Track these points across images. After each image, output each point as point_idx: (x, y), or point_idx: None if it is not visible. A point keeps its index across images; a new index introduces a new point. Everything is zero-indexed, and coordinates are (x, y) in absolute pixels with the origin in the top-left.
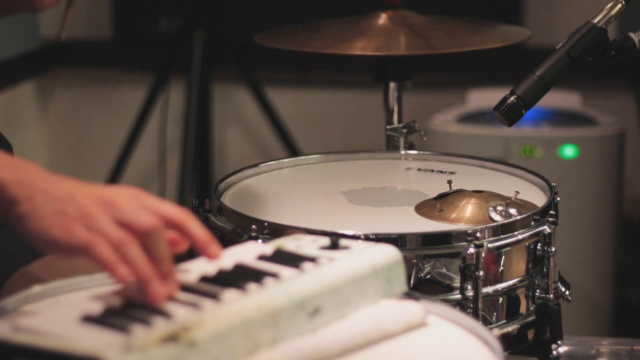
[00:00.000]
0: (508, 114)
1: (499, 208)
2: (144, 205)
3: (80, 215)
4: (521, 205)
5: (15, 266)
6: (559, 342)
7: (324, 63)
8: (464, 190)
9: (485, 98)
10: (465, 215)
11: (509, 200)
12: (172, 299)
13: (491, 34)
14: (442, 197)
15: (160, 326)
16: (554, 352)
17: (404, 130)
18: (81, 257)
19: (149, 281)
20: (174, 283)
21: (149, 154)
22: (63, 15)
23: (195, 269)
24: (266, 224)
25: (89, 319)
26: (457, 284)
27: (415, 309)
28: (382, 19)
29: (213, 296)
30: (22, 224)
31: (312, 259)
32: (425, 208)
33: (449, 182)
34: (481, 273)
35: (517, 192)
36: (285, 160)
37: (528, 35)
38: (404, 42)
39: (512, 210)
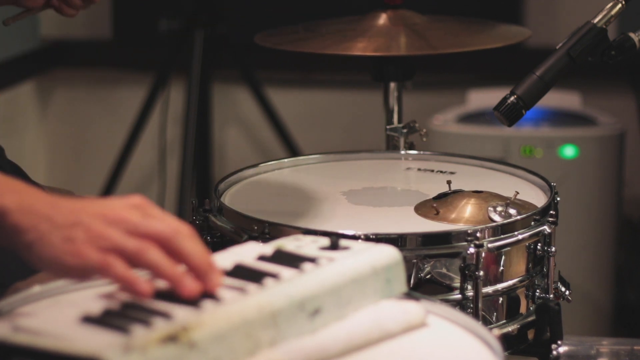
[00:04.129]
0: (508, 114)
1: (499, 208)
2: (151, 215)
3: (90, 238)
4: (521, 205)
5: (10, 281)
6: (559, 342)
7: (324, 63)
8: (464, 191)
9: (485, 98)
10: (465, 215)
11: (508, 201)
12: (172, 298)
13: (491, 34)
14: (441, 197)
15: (160, 326)
16: (554, 352)
17: (404, 130)
18: (97, 278)
19: (177, 280)
20: (215, 274)
21: (149, 154)
22: (23, 12)
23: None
24: (266, 224)
25: (88, 319)
26: (457, 284)
27: (415, 309)
28: (382, 19)
29: (213, 296)
30: (32, 254)
31: (312, 260)
32: (424, 208)
33: (449, 182)
34: (481, 273)
35: (517, 192)
36: (285, 160)
37: (528, 35)
38: (404, 42)
39: (512, 211)
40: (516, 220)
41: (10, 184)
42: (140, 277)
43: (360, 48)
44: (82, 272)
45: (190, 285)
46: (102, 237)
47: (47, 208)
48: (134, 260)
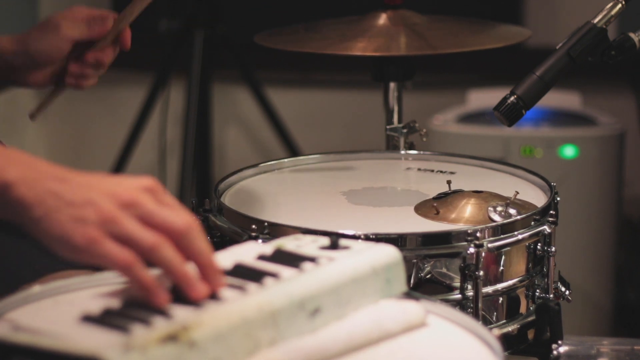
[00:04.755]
0: (508, 114)
1: (499, 208)
2: (163, 202)
3: (103, 221)
4: (521, 205)
5: (37, 276)
6: (559, 342)
7: (324, 63)
8: (463, 191)
9: (485, 98)
10: (465, 215)
11: (508, 201)
12: (172, 297)
13: (491, 34)
14: (441, 197)
15: (160, 326)
16: (554, 352)
17: (404, 130)
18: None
19: (188, 282)
20: (218, 276)
21: (149, 154)
22: (44, 99)
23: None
24: (266, 224)
25: (88, 319)
26: (457, 284)
27: (415, 309)
28: (382, 19)
29: (213, 296)
30: (39, 230)
31: (312, 259)
32: (424, 208)
33: (448, 182)
34: (481, 273)
35: (517, 192)
36: (285, 160)
37: (528, 35)
38: (404, 42)
39: (512, 211)
40: (516, 220)
41: (14, 157)
42: (161, 286)
43: (360, 48)
44: (96, 260)
45: (201, 288)
46: (114, 222)
47: (55, 182)
48: (147, 255)
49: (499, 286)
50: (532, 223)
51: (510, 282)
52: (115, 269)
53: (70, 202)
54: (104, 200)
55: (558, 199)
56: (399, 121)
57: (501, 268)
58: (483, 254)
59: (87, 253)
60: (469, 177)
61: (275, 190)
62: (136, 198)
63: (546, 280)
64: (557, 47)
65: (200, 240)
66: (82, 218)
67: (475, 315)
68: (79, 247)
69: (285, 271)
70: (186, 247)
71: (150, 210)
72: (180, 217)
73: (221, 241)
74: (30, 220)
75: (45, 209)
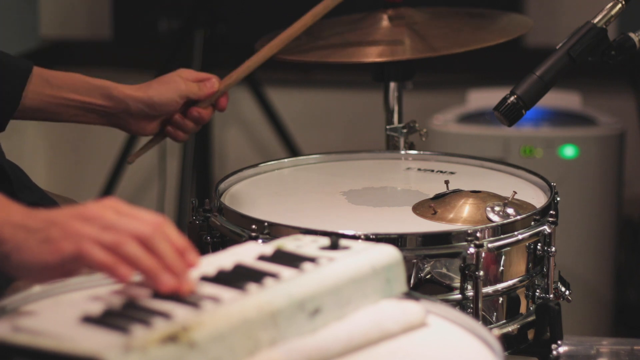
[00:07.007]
0: (508, 114)
1: (497, 208)
2: (125, 214)
3: (66, 234)
4: (519, 205)
5: (7, 281)
6: (559, 342)
7: (324, 63)
8: (462, 191)
9: (485, 98)
10: (463, 215)
11: (506, 201)
12: (172, 298)
13: (492, 28)
14: (439, 197)
15: (160, 326)
16: (554, 352)
17: (404, 130)
18: (77, 271)
19: (155, 273)
20: (188, 278)
21: (149, 154)
22: (144, 146)
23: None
24: (266, 224)
25: (89, 319)
26: (457, 284)
27: (415, 309)
28: (384, 20)
29: (213, 296)
30: (10, 263)
31: (312, 259)
32: (422, 208)
33: (446, 182)
34: (481, 273)
35: (515, 192)
36: (285, 160)
37: (530, 26)
38: (406, 46)
39: (510, 210)
40: (516, 220)
41: None
42: (119, 262)
43: (364, 54)
44: (59, 267)
45: (168, 281)
46: (78, 234)
47: (22, 217)
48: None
49: (499, 286)
50: (532, 223)
51: (510, 282)
52: (76, 263)
53: (36, 229)
54: (66, 218)
55: (558, 199)
56: (399, 121)
57: (501, 268)
58: (483, 254)
59: (52, 264)
60: (468, 177)
61: (275, 190)
62: (97, 212)
63: (546, 280)
64: (557, 47)
65: (165, 243)
66: (48, 238)
67: (475, 315)
68: (49, 262)
69: (285, 271)
70: (152, 250)
71: (111, 220)
72: (143, 222)
73: (221, 241)
74: (1, 255)
75: (16, 241)
